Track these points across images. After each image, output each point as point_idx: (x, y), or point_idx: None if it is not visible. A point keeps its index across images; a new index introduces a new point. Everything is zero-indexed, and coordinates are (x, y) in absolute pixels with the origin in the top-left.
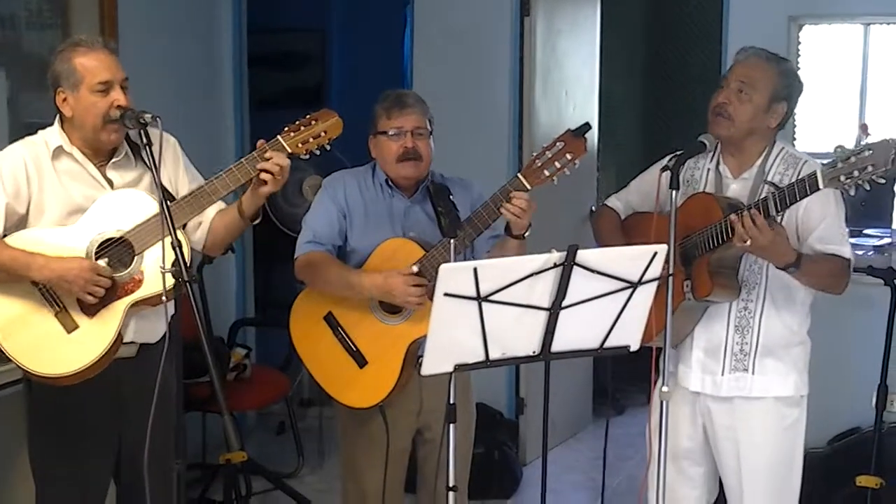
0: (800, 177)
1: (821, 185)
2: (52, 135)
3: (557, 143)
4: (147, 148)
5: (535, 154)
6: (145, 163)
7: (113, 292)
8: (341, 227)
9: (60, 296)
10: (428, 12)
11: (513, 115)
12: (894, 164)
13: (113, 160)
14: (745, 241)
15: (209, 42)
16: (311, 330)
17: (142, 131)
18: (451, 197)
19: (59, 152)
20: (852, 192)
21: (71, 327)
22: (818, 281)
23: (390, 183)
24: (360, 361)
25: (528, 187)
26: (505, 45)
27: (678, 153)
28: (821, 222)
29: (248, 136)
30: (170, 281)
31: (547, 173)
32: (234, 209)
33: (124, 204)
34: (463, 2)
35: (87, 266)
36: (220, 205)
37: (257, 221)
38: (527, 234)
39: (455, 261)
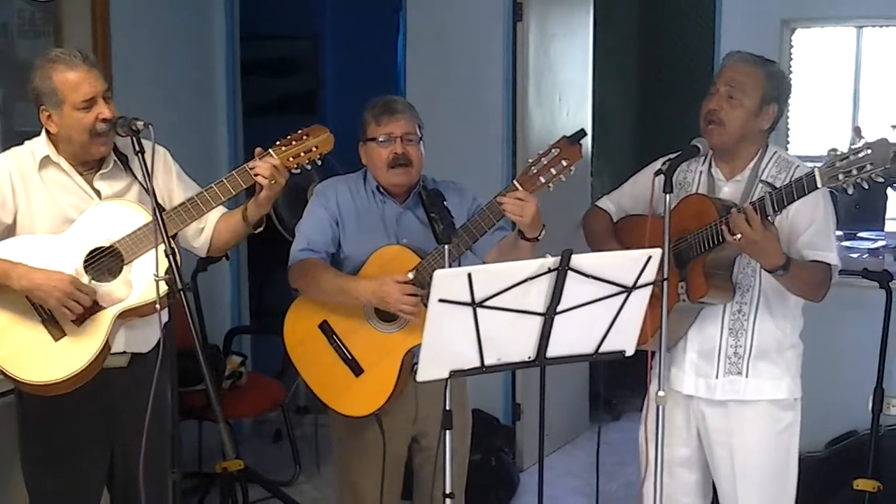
0: (797, 176)
1: (819, 184)
2: (39, 144)
3: (553, 150)
4: (140, 155)
5: (530, 161)
6: (133, 173)
7: (96, 305)
8: (334, 234)
9: None
10: (420, 18)
11: (506, 121)
12: (893, 163)
13: (101, 172)
14: (735, 235)
15: (202, 49)
16: (305, 338)
17: (134, 139)
18: (444, 202)
19: (45, 162)
20: (850, 192)
21: (58, 336)
22: (802, 287)
23: (382, 189)
24: (356, 370)
25: None
26: (498, 50)
27: (672, 157)
28: (809, 227)
29: (241, 143)
30: (163, 289)
31: (543, 180)
32: (239, 214)
33: (114, 214)
34: (455, 7)
35: (66, 279)
36: (221, 209)
37: (260, 229)
38: (540, 236)
39: (450, 267)
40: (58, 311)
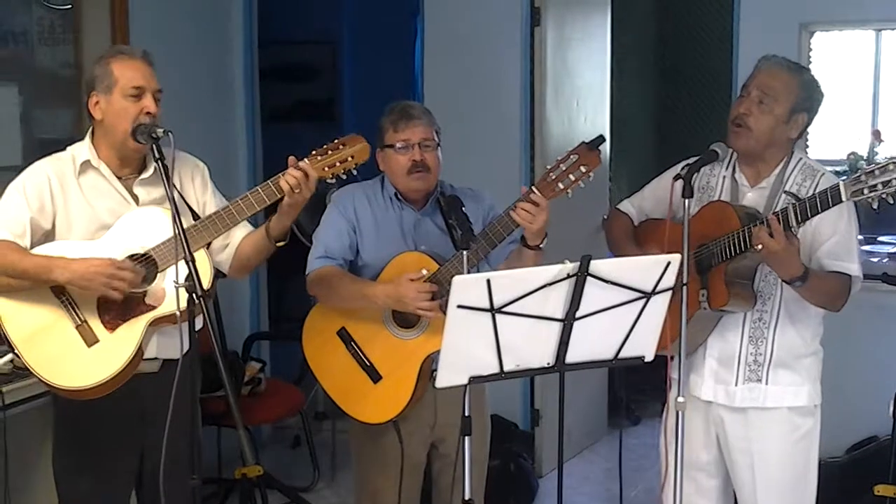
0: (821, 189)
1: (843, 198)
2: (81, 149)
3: (571, 156)
4: (159, 162)
5: (548, 167)
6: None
7: (134, 306)
8: (352, 242)
9: (82, 309)
10: (438, 23)
11: (524, 126)
12: None
13: (140, 178)
14: (758, 247)
15: (220, 56)
16: (324, 345)
17: (153, 146)
18: (463, 208)
19: (85, 167)
20: (875, 206)
21: (91, 341)
22: (820, 298)
23: (399, 196)
24: (374, 376)
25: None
26: (515, 55)
27: (691, 162)
28: (831, 237)
29: (260, 149)
30: (184, 295)
31: (561, 186)
32: (262, 230)
33: (150, 220)
34: (473, 12)
35: (105, 262)
36: (247, 228)
37: (283, 243)
38: (542, 244)
39: (468, 273)
40: (104, 295)
